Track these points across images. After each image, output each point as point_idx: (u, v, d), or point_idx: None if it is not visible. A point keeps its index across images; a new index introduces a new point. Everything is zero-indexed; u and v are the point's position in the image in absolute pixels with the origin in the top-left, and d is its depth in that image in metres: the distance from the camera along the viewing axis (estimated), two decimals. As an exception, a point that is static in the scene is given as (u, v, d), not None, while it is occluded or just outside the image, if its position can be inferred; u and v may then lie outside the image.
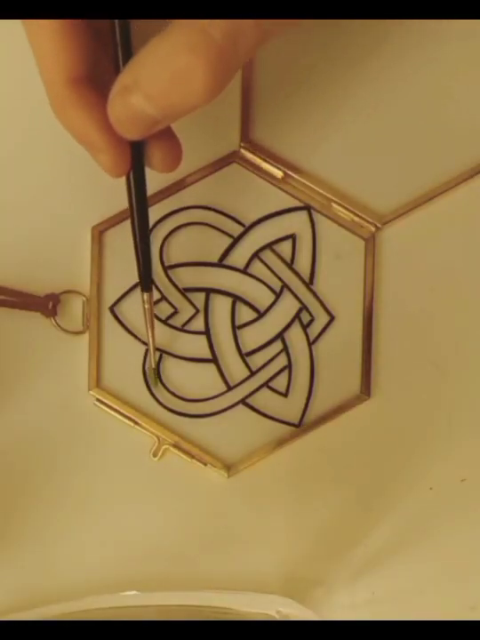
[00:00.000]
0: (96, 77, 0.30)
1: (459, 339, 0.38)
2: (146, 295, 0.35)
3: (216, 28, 0.27)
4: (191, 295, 0.38)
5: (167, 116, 0.29)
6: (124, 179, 0.38)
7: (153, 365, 0.37)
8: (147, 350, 0.37)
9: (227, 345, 0.38)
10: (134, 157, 0.31)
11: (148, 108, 0.28)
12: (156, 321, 0.37)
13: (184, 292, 0.38)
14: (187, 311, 0.38)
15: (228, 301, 0.38)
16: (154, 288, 0.37)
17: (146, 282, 0.35)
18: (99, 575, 0.37)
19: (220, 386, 0.37)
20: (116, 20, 0.29)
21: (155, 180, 0.38)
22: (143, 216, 0.33)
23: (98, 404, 0.37)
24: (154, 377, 0.37)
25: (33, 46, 0.30)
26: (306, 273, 0.38)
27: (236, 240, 0.38)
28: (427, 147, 0.39)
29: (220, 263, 0.38)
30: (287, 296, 0.38)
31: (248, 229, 0.38)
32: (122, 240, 0.38)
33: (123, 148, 0.30)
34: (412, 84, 0.39)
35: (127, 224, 0.37)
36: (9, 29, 0.37)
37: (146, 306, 0.35)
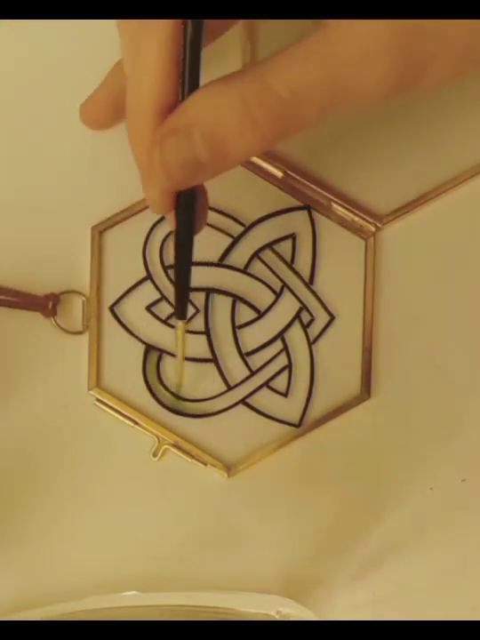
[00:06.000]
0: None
1: (459, 339, 0.38)
2: (180, 323, 0.35)
3: (282, 86, 0.26)
4: (191, 295, 0.38)
5: (217, 165, 0.28)
6: (123, 179, 0.38)
7: (179, 381, 0.37)
8: (146, 350, 0.37)
9: (227, 345, 0.38)
10: (182, 201, 0.30)
11: (201, 153, 0.27)
12: (157, 322, 0.37)
13: (184, 291, 0.38)
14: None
15: (228, 301, 0.38)
16: (155, 287, 0.37)
17: (181, 310, 0.34)
18: (99, 575, 0.37)
19: (219, 386, 0.37)
20: (188, 42, 0.27)
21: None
22: (187, 254, 0.32)
23: (98, 403, 0.37)
24: (176, 397, 0.37)
25: (136, 69, 0.28)
26: (306, 273, 0.38)
27: (236, 240, 0.38)
28: (427, 147, 0.39)
29: (220, 263, 0.38)
30: (287, 296, 0.38)
31: (248, 229, 0.38)
32: (122, 240, 0.38)
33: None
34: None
35: (127, 224, 0.38)
36: (9, 30, 0.37)
37: (179, 332, 0.35)
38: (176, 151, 0.27)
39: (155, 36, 0.27)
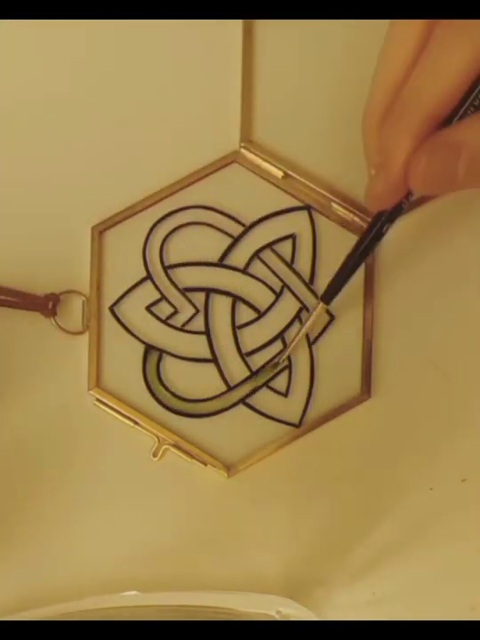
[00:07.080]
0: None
1: (459, 339, 0.38)
2: (320, 305, 0.36)
3: None
4: (191, 295, 0.38)
5: (467, 184, 0.29)
6: (123, 179, 0.38)
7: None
8: (146, 350, 0.37)
9: (227, 345, 0.38)
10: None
11: (460, 171, 0.29)
12: (157, 322, 0.37)
13: (184, 292, 0.38)
14: (187, 311, 0.38)
15: (228, 301, 0.38)
16: (155, 287, 0.38)
17: (331, 296, 0.36)
18: (99, 575, 0.37)
19: (219, 386, 0.37)
20: None
21: (155, 179, 0.38)
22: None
23: (98, 404, 0.37)
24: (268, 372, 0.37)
25: (433, 68, 0.29)
26: (306, 273, 0.38)
27: (236, 240, 0.38)
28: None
29: (220, 263, 0.38)
30: (287, 296, 0.38)
31: (248, 229, 0.38)
32: (122, 240, 0.38)
33: (402, 188, 0.31)
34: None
35: (127, 224, 0.38)
36: (10, 30, 0.37)
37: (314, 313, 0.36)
38: (441, 164, 0.29)
39: (468, 49, 0.28)
